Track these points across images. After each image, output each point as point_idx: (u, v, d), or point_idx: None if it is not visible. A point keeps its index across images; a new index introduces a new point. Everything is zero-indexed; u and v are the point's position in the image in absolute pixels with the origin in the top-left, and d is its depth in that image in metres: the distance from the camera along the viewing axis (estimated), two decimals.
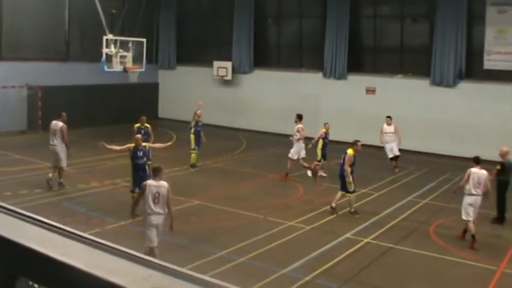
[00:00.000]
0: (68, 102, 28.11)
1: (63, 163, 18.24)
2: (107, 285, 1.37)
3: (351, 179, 16.13)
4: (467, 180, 14.43)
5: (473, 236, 14.18)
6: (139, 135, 16.62)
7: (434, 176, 21.70)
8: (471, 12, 26.15)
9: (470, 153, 20.75)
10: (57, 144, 18.08)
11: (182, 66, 35.61)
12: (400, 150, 23.34)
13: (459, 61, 26.42)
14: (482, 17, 25.62)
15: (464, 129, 25.39)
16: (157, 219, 11.50)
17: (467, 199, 14.37)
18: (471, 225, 14.23)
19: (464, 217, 14.36)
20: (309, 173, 20.92)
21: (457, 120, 25.85)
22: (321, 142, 20.92)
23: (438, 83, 26.89)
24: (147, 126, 19.79)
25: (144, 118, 20.06)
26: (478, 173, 14.45)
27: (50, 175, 18.09)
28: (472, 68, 26.60)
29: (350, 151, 16.40)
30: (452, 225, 16.00)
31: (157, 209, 11.45)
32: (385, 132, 23.08)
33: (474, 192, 14.30)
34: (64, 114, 18.41)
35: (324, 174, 21.09)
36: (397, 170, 22.44)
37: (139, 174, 15.18)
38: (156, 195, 11.41)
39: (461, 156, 22.53)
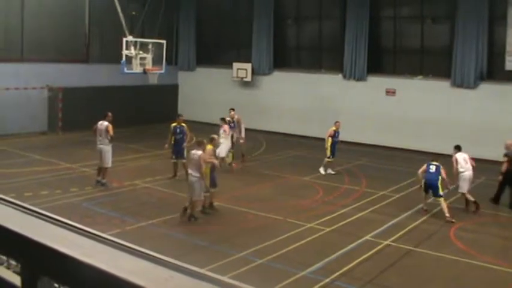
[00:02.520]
0: (88, 104, 28.34)
1: (107, 163, 18.56)
2: (129, 286, 1.37)
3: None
4: (457, 163, 17.33)
5: (474, 202, 17.23)
6: (215, 136, 17.65)
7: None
8: (492, 12, 25.87)
9: (491, 155, 20.70)
10: (104, 143, 18.49)
11: (202, 67, 35.67)
12: (418, 152, 23.40)
13: (480, 62, 26.15)
14: (504, 17, 25.34)
15: (485, 131, 25.13)
16: (190, 179, 15.16)
17: (462, 176, 17.20)
18: (468, 196, 17.32)
19: (460, 190, 17.36)
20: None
21: (477, 121, 25.60)
22: (330, 140, 21.68)
23: (459, 84, 26.65)
24: (183, 126, 20.12)
25: (181, 118, 20.61)
26: (462, 154, 17.59)
27: (99, 178, 18.62)
28: (494, 69, 26.33)
29: (439, 163, 17.19)
30: (473, 228, 15.91)
31: (191, 171, 15.24)
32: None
33: (465, 168, 17.25)
34: (110, 114, 18.83)
35: (332, 172, 21.74)
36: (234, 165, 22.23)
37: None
38: (192, 161, 15.21)
39: (482, 158, 22.30)
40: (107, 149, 18.46)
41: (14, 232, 1.71)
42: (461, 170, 17.20)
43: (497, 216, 17.45)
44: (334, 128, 21.91)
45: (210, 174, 15.97)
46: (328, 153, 21.68)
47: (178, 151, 19.81)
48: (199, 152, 15.10)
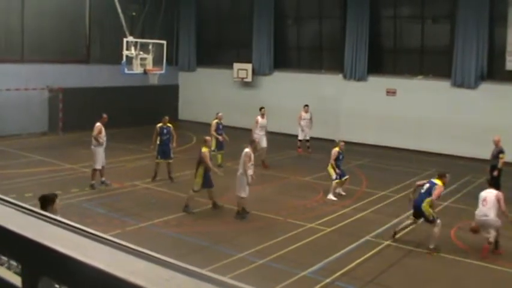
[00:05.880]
0: (89, 104, 28.36)
1: (94, 164, 18.54)
2: (129, 286, 1.37)
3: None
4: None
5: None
6: (209, 138, 17.57)
7: (455, 178, 21.37)
8: (493, 12, 25.83)
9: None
10: (93, 144, 18.63)
11: (202, 68, 35.68)
12: (418, 152, 23.34)
13: (480, 62, 26.12)
14: (505, 17, 25.30)
15: (486, 131, 25.00)
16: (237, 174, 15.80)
17: None
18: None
19: None
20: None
21: (478, 121, 25.56)
22: (333, 163, 18.94)
23: (459, 84, 26.63)
24: (169, 126, 20.09)
25: (167, 118, 20.47)
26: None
27: (103, 178, 18.70)
28: (494, 69, 26.29)
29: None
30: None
31: (240, 169, 15.70)
32: (303, 119, 26.48)
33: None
34: (105, 116, 18.98)
35: (343, 193, 19.15)
36: (310, 150, 26.32)
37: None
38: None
39: (482, 158, 22.27)
40: (94, 150, 18.54)
41: (15, 233, 1.72)
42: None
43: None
44: (337, 149, 19.14)
45: (205, 174, 16.20)
46: (333, 175, 18.93)
47: (164, 151, 19.75)
48: (246, 150, 15.81)
